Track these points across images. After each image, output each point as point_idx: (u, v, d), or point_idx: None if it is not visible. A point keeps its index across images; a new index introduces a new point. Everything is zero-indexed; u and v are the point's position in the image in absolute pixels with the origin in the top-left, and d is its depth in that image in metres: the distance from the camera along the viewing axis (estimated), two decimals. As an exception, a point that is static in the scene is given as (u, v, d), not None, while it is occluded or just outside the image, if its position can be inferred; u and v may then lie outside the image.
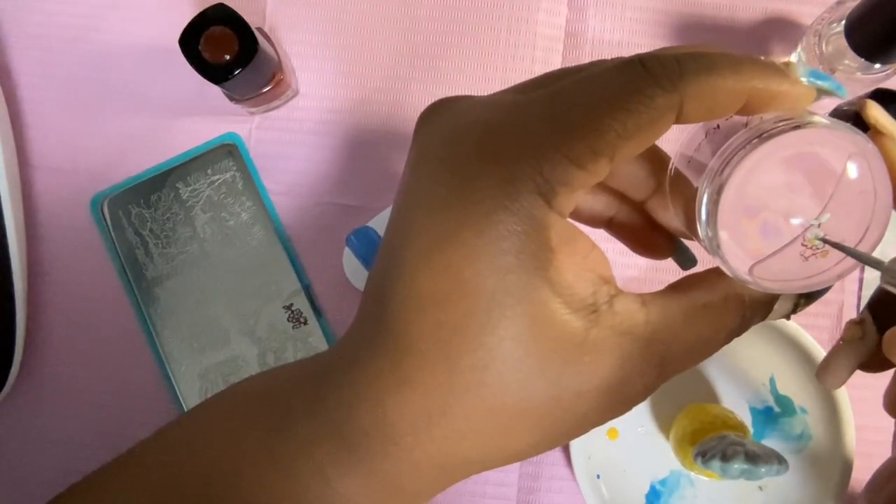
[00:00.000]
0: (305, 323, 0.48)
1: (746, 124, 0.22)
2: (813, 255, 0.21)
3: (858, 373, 0.49)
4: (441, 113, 0.23)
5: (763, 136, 0.20)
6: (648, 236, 0.27)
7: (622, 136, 0.20)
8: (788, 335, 0.44)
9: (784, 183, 0.21)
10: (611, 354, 0.21)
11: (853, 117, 0.38)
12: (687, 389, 0.47)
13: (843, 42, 0.41)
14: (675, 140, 0.25)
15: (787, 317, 0.24)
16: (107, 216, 0.48)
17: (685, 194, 0.23)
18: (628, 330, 0.21)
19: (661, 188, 0.26)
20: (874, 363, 0.24)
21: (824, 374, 0.25)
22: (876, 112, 0.23)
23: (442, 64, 0.49)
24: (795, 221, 0.21)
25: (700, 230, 0.21)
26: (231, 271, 0.48)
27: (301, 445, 0.23)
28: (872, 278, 0.47)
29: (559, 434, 0.22)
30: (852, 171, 0.20)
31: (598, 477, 0.46)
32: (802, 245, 0.21)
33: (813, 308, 0.25)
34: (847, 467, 0.44)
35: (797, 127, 0.20)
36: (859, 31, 0.40)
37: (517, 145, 0.20)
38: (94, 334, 0.48)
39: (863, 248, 0.21)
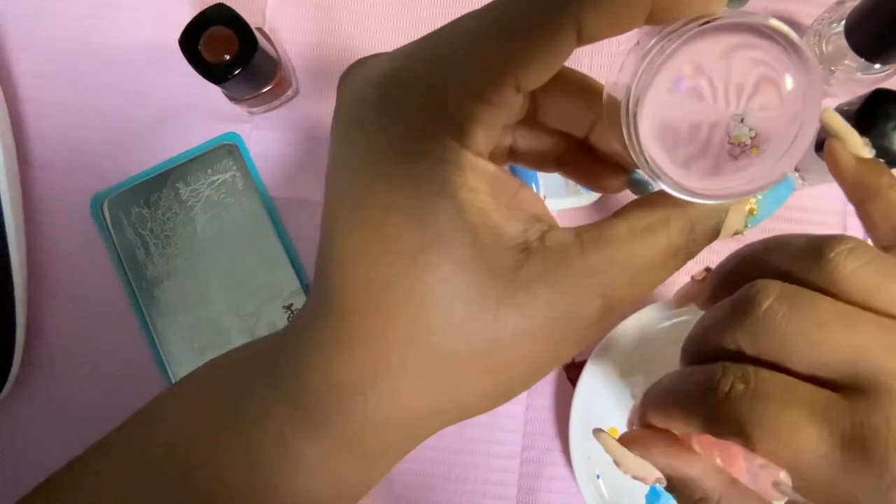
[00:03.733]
0: (305, 323, 0.48)
1: (661, 31, 0.21)
2: (742, 152, 0.20)
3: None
4: (354, 72, 0.22)
5: (672, 37, 0.19)
6: (599, 170, 0.26)
7: (522, 62, 0.19)
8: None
9: (703, 81, 0.20)
10: (545, 289, 0.20)
11: (853, 117, 0.38)
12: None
13: (843, 42, 0.41)
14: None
15: (742, 231, 0.23)
16: (107, 216, 0.48)
17: (619, 118, 0.23)
18: (561, 262, 0.20)
19: (600, 120, 0.25)
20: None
21: (675, 297, 0.27)
22: (833, 119, 0.24)
23: (442, 64, 0.49)
24: (719, 121, 0.20)
25: (629, 144, 0.20)
26: (231, 271, 0.48)
27: (260, 413, 0.23)
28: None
29: (510, 379, 0.22)
30: (772, 58, 0.20)
31: (598, 477, 0.46)
32: (729, 144, 0.20)
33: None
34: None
35: (706, 23, 0.19)
36: (859, 31, 0.40)
37: (419, 90, 0.20)
38: (95, 334, 0.48)
39: (796, 145, 0.20)
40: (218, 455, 0.23)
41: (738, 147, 0.20)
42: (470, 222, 0.20)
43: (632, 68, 0.20)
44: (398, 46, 0.22)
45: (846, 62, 0.42)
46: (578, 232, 0.21)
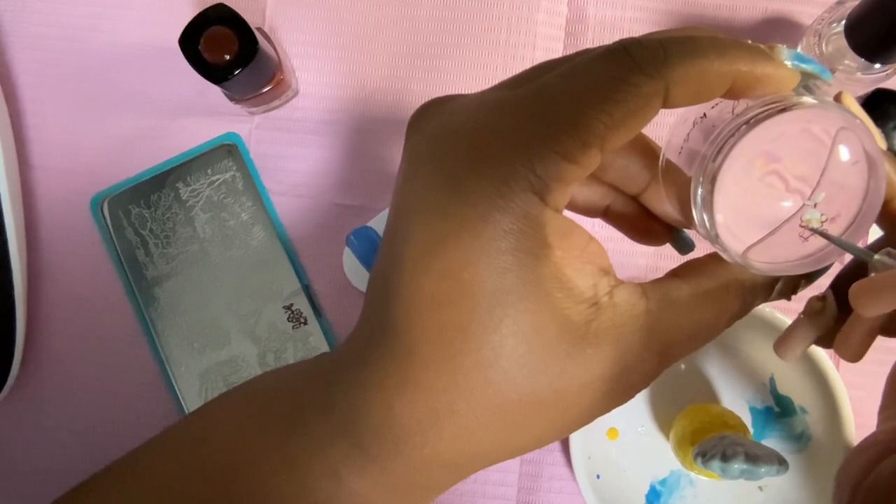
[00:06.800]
0: (305, 323, 0.48)
1: (733, 109, 0.22)
2: (812, 234, 0.21)
3: (859, 374, 0.49)
4: (431, 115, 0.23)
5: (751, 122, 0.20)
6: (645, 224, 0.27)
7: (610, 126, 0.20)
8: (788, 335, 0.44)
9: (776, 165, 0.21)
10: (612, 345, 0.21)
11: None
12: (687, 389, 0.47)
13: (843, 42, 0.41)
14: (665, 124, 0.24)
15: (789, 297, 0.24)
16: (107, 216, 0.48)
17: (678, 184, 0.24)
18: (629, 321, 0.21)
19: (655, 180, 0.26)
20: (829, 338, 0.24)
21: (782, 345, 0.25)
22: (849, 101, 0.23)
23: (442, 64, 0.49)
24: (790, 203, 0.21)
25: (696, 218, 0.21)
26: (231, 271, 0.48)
27: (313, 444, 0.23)
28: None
29: (565, 425, 0.22)
30: (842, 146, 0.21)
31: (598, 477, 0.46)
32: (800, 226, 0.21)
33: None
34: (847, 467, 0.44)
35: (783, 109, 0.20)
36: (859, 31, 0.40)
37: (507, 145, 0.20)
38: (94, 334, 0.48)
39: (863, 221, 0.21)
40: (267, 484, 0.23)
41: (809, 230, 0.21)
42: (546, 276, 0.20)
43: (701, 143, 0.21)
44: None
45: (846, 62, 0.42)
46: (644, 290, 0.22)
